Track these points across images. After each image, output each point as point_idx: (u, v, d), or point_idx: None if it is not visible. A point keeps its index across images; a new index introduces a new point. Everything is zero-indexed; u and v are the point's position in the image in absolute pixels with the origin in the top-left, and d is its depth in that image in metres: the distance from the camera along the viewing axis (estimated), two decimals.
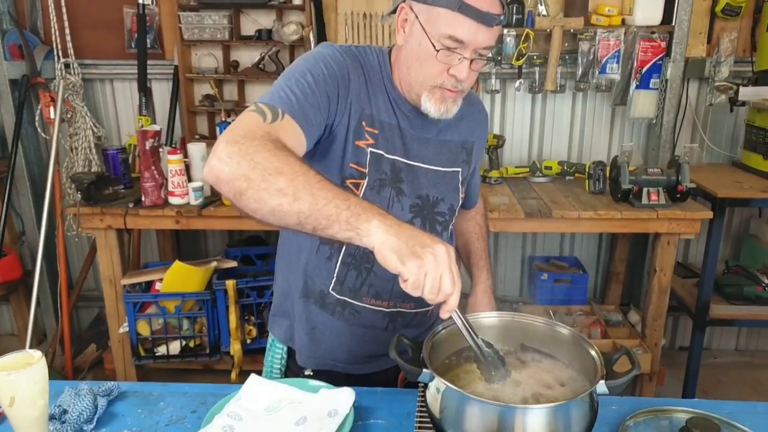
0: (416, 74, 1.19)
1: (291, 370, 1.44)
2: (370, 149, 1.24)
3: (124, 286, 2.66)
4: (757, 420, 1.17)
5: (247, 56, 3.16)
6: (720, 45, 2.92)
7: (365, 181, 1.24)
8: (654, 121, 2.99)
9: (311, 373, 1.39)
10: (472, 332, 1.00)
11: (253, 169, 0.93)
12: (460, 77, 1.16)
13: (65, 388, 1.20)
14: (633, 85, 2.90)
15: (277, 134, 1.02)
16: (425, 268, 0.88)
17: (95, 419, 1.14)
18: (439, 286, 0.90)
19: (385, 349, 1.04)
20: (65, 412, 1.13)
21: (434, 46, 1.13)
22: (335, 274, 1.30)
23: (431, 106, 1.20)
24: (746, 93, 2.73)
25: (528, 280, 3.40)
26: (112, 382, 1.25)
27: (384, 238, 0.90)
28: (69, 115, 3.05)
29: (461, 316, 0.98)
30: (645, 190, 2.47)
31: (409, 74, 1.21)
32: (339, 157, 1.22)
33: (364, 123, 1.23)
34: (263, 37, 3.02)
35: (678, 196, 2.47)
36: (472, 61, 1.16)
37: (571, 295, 3.08)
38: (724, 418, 1.13)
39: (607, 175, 2.66)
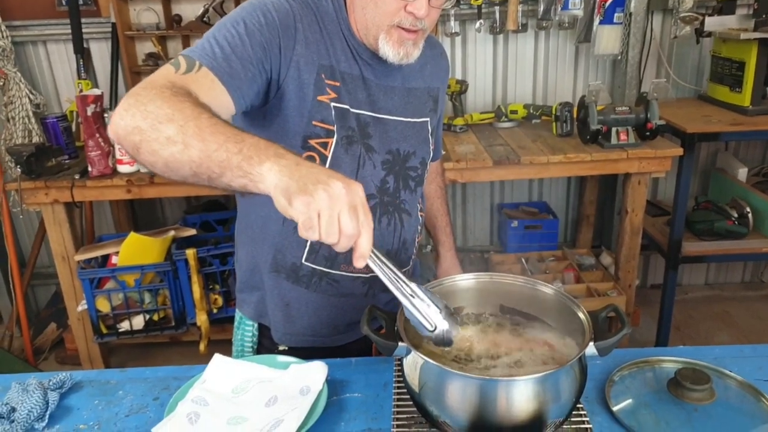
0: (372, 14, 1.09)
1: (264, 347, 1.36)
2: (333, 104, 1.13)
3: (78, 262, 2.52)
4: (745, 364, 1.15)
5: (189, 9, 2.96)
6: None
7: (333, 139, 1.14)
8: (619, 58, 2.91)
9: (286, 349, 1.31)
10: (397, 275, 0.87)
11: (144, 119, 0.84)
12: (418, 14, 1.06)
13: (11, 383, 1.12)
14: (596, 20, 2.81)
15: (186, 85, 0.92)
16: (316, 206, 0.75)
17: (47, 415, 1.07)
18: (339, 228, 0.77)
19: None
20: (14, 410, 1.06)
21: None
22: (308, 243, 1.21)
23: (389, 49, 1.10)
24: (712, 23, 2.66)
25: (498, 229, 3.36)
26: (64, 373, 1.17)
27: (276, 181, 0.78)
28: (1, 83, 2.85)
29: (381, 259, 0.85)
30: (614, 129, 2.41)
31: (365, 15, 1.10)
32: (297, 116, 1.12)
33: (323, 75, 1.12)
34: None
35: (647, 134, 2.42)
36: None
37: (543, 241, 3.05)
38: (712, 366, 1.11)
39: (575, 115, 2.59)
